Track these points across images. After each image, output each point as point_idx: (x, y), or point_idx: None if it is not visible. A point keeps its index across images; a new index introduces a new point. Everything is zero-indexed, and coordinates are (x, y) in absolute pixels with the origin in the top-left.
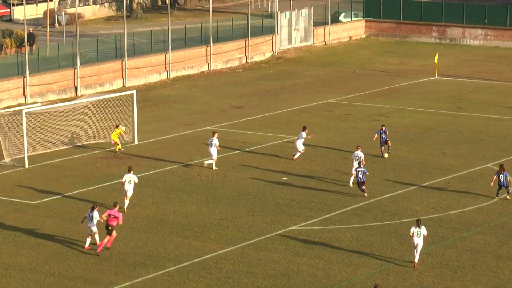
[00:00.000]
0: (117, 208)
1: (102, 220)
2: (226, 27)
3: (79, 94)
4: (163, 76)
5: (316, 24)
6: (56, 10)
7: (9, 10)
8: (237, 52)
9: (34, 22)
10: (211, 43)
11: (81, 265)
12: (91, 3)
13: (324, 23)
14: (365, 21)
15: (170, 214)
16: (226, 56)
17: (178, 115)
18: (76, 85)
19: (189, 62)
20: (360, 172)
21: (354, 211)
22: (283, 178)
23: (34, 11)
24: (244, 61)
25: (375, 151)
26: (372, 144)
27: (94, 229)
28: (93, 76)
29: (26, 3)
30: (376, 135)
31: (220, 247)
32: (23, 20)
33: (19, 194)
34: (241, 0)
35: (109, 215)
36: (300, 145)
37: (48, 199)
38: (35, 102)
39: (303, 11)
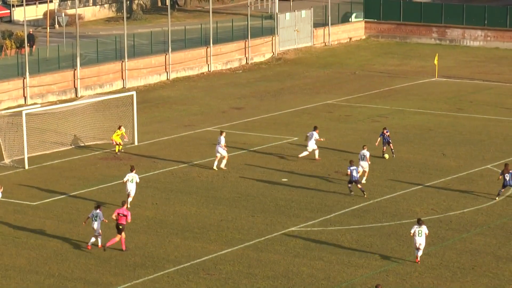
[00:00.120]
0: (125, 206)
1: (106, 221)
2: (226, 28)
3: (79, 95)
4: (163, 77)
5: (316, 25)
6: (56, 11)
7: (9, 11)
8: (237, 53)
9: (34, 23)
10: (211, 44)
11: (81, 266)
12: (91, 4)
13: (324, 24)
14: (365, 22)
15: (170, 215)
16: (226, 57)
17: (178, 116)
18: (76, 86)
19: (189, 63)
20: (354, 171)
21: (354, 212)
22: (283, 179)
23: (34, 12)
24: (244, 62)
25: (376, 152)
26: (372, 145)
27: (97, 229)
28: (93, 77)
29: (26, 4)
30: (379, 138)
31: (220, 248)
32: (23, 21)
33: (19, 195)
34: (241, 1)
35: (118, 214)
36: (312, 145)
37: (48, 200)
38: (35, 103)
39: (303, 12)
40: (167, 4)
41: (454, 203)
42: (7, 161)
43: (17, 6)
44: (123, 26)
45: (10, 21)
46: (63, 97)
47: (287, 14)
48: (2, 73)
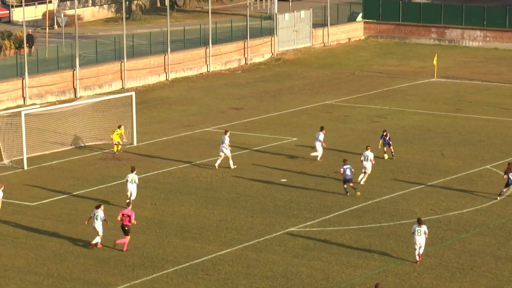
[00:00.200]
0: (130, 207)
1: (108, 222)
2: (225, 28)
3: (78, 95)
4: (162, 78)
5: (315, 25)
6: (55, 11)
7: (8, 11)
8: (236, 54)
9: (33, 23)
10: (210, 45)
11: (80, 266)
12: (90, 5)
13: (323, 25)
14: (364, 22)
15: (169, 215)
16: (225, 58)
17: (177, 116)
18: (75, 86)
19: (188, 64)
20: (348, 170)
21: (353, 213)
22: (282, 180)
23: (33, 12)
24: (243, 62)
25: (375, 152)
26: (371, 145)
27: (99, 229)
28: (92, 78)
29: (25, 5)
30: (380, 141)
31: (219, 248)
32: (22, 21)
33: (18, 195)
34: (240, 1)
35: (123, 215)
36: (319, 147)
37: (47, 200)
38: (34, 104)
39: (302, 12)
40: (166, 4)
41: (453, 203)
42: (6, 161)
43: (16, 6)
44: (122, 27)
45: (9, 21)
46: (62, 98)
47: (286, 14)
48: (1, 74)
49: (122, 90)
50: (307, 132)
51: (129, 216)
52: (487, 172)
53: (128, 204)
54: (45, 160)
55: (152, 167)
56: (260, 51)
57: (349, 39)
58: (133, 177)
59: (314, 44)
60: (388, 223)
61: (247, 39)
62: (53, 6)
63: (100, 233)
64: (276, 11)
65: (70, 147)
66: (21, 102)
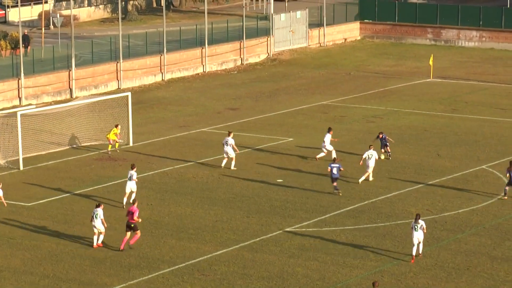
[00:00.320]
0: (135, 205)
1: (106, 225)
2: (221, 29)
3: (74, 96)
4: (158, 78)
5: (311, 26)
6: (51, 12)
7: (4, 12)
8: (232, 54)
9: (29, 24)
10: (206, 45)
11: (76, 267)
12: (86, 5)
13: (319, 25)
14: (360, 23)
15: (164, 216)
16: (221, 58)
17: (173, 117)
18: (71, 87)
19: (184, 64)
20: (335, 168)
21: (348, 213)
22: (278, 180)
23: (29, 13)
24: (239, 63)
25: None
26: (367, 145)
27: (96, 229)
28: (88, 78)
29: (21, 5)
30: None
31: (215, 249)
32: (18, 22)
33: (14, 196)
34: (236, 2)
35: (128, 212)
36: (329, 146)
37: (42, 201)
38: (29, 104)
39: (298, 13)
40: (162, 5)
41: (449, 203)
42: (2, 162)
43: (12, 7)
44: (118, 27)
45: (5, 22)
46: (58, 98)
47: (282, 15)
48: None
49: (118, 90)
50: (303, 132)
51: (132, 213)
52: (483, 172)
53: (133, 202)
54: (41, 161)
55: (148, 167)
56: (256, 52)
57: (345, 39)
58: (131, 174)
59: (310, 45)
60: (384, 224)
61: (243, 39)
62: (49, 6)
63: (102, 230)
64: (272, 11)
65: (66, 148)
66: (17, 102)
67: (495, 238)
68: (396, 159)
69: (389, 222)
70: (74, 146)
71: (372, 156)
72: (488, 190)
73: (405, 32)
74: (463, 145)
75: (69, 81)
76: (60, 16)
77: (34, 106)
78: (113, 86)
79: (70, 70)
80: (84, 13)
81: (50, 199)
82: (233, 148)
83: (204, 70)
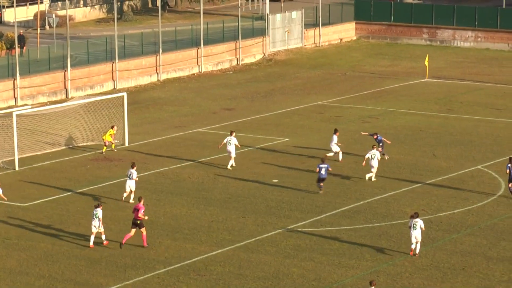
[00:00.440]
0: (141, 202)
1: (103, 228)
2: (216, 29)
3: (69, 96)
4: (154, 78)
5: (307, 26)
6: (46, 12)
7: None
8: (228, 54)
9: (25, 24)
10: (202, 45)
11: (71, 267)
12: (81, 5)
13: (315, 25)
14: (355, 23)
15: (160, 216)
16: (216, 58)
17: (169, 117)
18: (66, 87)
19: (179, 64)
20: (323, 169)
21: (344, 213)
22: (274, 180)
23: (25, 13)
24: (234, 63)
25: (366, 152)
26: (363, 146)
27: (94, 229)
28: (84, 78)
29: (17, 5)
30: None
31: (211, 249)
32: (14, 22)
33: (10, 196)
34: (232, 2)
35: (134, 209)
36: (335, 148)
37: (38, 201)
38: (25, 105)
39: (294, 13)
40: (157, 5)
41: (444, 203)
42: None
43: (8, 7)
44: (113, 27)
45: (0, 22)
46: (54, 98)
47: (278, 15)
48: None
49: (114, 90)
50: (298, 132)
51: (138, 210)
52: (479, 173)
53: (139, 199)
54: (37, 161)
55: (143, 167)
56: (251, 52)
57: (341, 39)
58: (131, 173)
59: (306, 45)
60: (380, 224)
61: (238, 39)
62: (44, 6)
63: (101, 230)
64: (267, 11)
65: (62, 148)
66: (12, 102)
67: (491, 238)
68: (392, 159)
69: (384, 222)
70: (70, 146)
71: (374, 156)
72: (484, 190)
73: (400, 32)
74: (459, 145)
75: (65, 82)
76: (55, 16)
77: (30, 107)
78: (108, 86)
79: (65, 71)
80: (80, 14)
81: (46, 199)
82: (235, 146)
83: (200, 71)
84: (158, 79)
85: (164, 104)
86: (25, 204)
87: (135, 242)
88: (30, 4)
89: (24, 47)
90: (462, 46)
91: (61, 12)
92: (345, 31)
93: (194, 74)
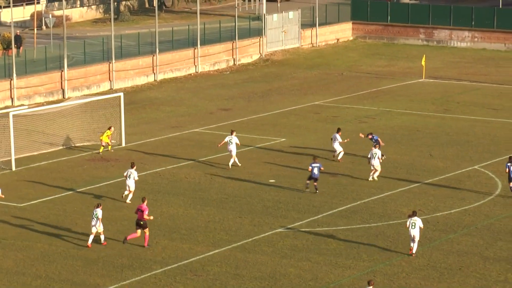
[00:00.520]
0: (145, 203)
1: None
2: (213, 29)
3: (66, 96)
4: (151, 79)
5: (304, 26)
6: (43, 12)
7: None
8: (225, 55)
9: (21, 24)
10: (199, 46)
11: (68, 267)
12: (78, 6)
13: (312, 25)
14: (352, 23)
15: (157, 216)
16: (213, 59)
17: (166, 117)
18: (63, 87)
19: (176, 65)
20: (316, 168)
21: (341, 213)
22: (270, 180)
23: (21, 13)
24: (231, 63)
25: (363, 152)
26: (359, 146)
27: (94, 229)
28: (80, 79)
29: (13, 6)
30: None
31: (207, 249)
32: (10, 22)
33: (6, 196)
34: (229, 2)
35: (138, 209)
36: (338, 147)
37: (35, 201)
38: (22, 105)
39: (291, 13)
40: (154, 5)
41: (441, 203)
42: None
43: (4, 7)
44: (110, 27)
45: None
46: (50, 99)
47: (275, 15)
48: None
49: (110, 91)
50: (295, 132)
51: (142, 211)
52: (475, 173)
53: (143, 200)
54: (34, 161)
55: (140, 168)
56: (248, 52)
57: (338, 39)
58: (131, 172)
59: (303, 45)
60: (377, 224)
61: (235, 40)
62: (41, 7)
63: (100, 229)
64: (264, 11)
65: (59, 148)
66: (9, 103)
67: (487, 238)
68: (388, 159)
69: (381, 222)
70: (67, 146)
71: (375, 155)
72: (480, 190)
73: (397, 32)
74: (455, 145)
75: (62, 82)
76: (52, 16)
77: (27, 107)
78: (105, 86)
79: (62, 71)
80: (77, 14)
81: (43, 199)
82: (237, 145)
83: (197, 71)
84: (155, 79)
85: (161, 104)
86: (21, 204)
87: (133, 242)
88: (26, 4)
89: (21, 47)
90: (458, 46)
91: (57, 12)
92: (342, 31)
93: (191, 74)
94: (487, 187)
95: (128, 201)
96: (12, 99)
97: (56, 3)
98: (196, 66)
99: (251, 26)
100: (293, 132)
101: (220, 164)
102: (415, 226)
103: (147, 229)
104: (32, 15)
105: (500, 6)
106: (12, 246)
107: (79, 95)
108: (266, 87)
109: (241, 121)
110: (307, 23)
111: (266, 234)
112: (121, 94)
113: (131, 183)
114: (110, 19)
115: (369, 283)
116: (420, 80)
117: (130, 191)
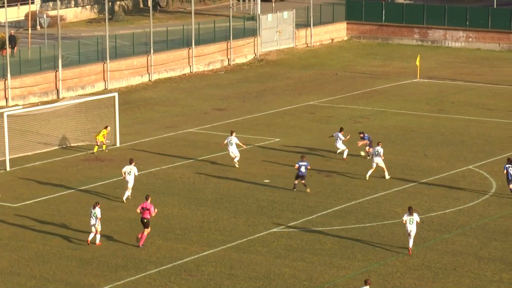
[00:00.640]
0: (149, 200)
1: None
2: (208, 29)
3: (60, 96)
4: (145, 79)
5: (298, 26)
6: (38, 12)
7: None
8: (219, 55)
9: (16, 24)
10: (193, 46)
11: (63, 268)
12: (72, 6)
13: (306, 25)
14: (347, 23)
15: (151, 216)
16: (208, 59)
17: (160, 117)
18: (57, 87)
19: (171, 65)
20: (303, 167)
21: (336, 213)
22: (265, 180)
23: (16, 13)
24: (226, 63)
25: (357, 152)
26: (355, 146)
27: (93, 228)
28: (75, 79)
29: (8, 5)
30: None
31: (202, 249)
32: (5, 22)
33: (1, 197)
34: (223, 2)
35: (142, 208)
36: (341, 146)
37: (29, 201)
38: (16, 105)
39: (285, 13)
40: (149, 5)
41: (435, 203)
42: None
43: None
44: (105, 28)
45: None
46: (45, 99)
47: (269, 15)
48: None
49: (105, 91)
50: (290, 132)
51: (149, 210)
52: (470, 173)
53: (147, 198)
54: (28, 161)
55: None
56: (243, 52)
57: (332, 39)
58: (131, 169)
59: (297, 45)
60: (371, 224)
61: (230, 40)
62: (35, 7)
63: (98, 228)
64: (259, 11)
65: (53, 148)
66: (3, 103)
67: (482, 238)
68: (383, 159)
69: (376, 222)
70: (61, 146)
71: (378, 152)
72: (475, 190)
73: (391, 32)
74: (450, 145)
75: (56, 82)
76: (46, 16)
77: (21, 107)
78: (100, 86)
79: (57, 71)
80: (71, 14)
81: (37, 199)
82: (238, 145)
83: (191, 71)
84: (149, 79)
85: (155, 104)
86: (16, 205)
87: (128, 241)
88: (21, 4)
89: (15, 47)
90: (453, 46)
91: (52, 12)
92: (337, 31)
93: (185, 74)
94: (482, 187)
95: (124, 198)
96: (6, 99)
97: (51, 3)
98: (190, 66)
99: (245, 26)
100: (287, 132)
101: (215, 164)
102: (413, 222)
103: (149, 228)
104: (26, 15)
105: (495, 6)
106: (6, 246)
107: (74, 95)
108: (260, 87)
109: (236, 121)
110: (302, 23)
111: (261, 234)
112: (116, 94)
113: (131, 180)
114: (105, 19)
115: (365, 282)
116: (414, 80)
117: (128, 188)
